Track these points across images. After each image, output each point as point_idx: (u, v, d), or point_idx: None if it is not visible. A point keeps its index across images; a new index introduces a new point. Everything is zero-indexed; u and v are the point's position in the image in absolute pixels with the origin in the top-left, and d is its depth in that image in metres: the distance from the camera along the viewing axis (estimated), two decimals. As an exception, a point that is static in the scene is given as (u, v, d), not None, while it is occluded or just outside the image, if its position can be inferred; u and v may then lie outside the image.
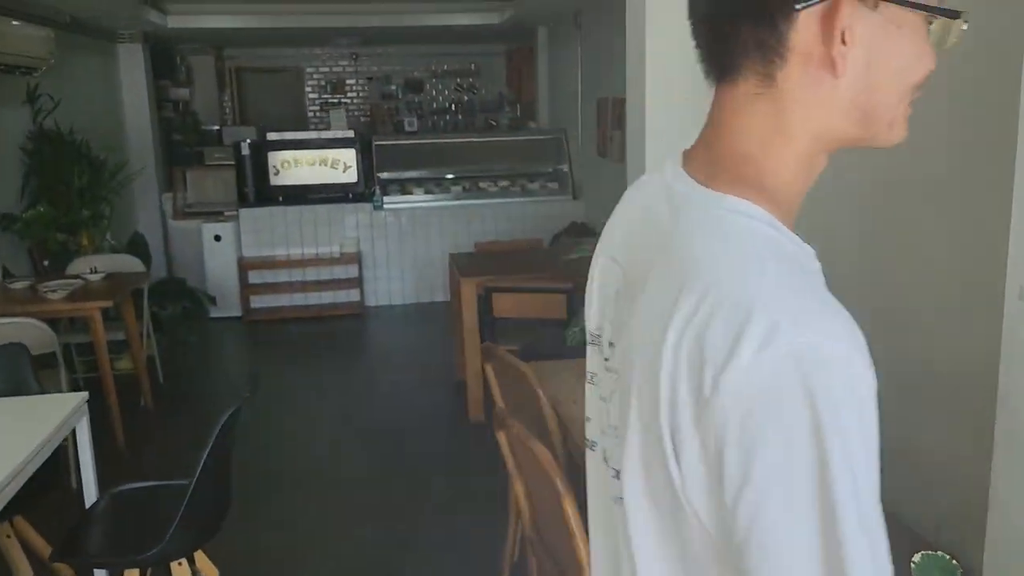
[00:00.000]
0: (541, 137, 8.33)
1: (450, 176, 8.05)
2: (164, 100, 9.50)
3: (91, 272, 4.63)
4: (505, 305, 4.28)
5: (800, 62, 0.74)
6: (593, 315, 0.93)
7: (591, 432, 0.94)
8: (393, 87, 11.57)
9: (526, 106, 10.24)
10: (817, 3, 0.72)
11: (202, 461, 2.50)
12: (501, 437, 2.33)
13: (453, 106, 11.64)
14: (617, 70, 6.92)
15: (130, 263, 5.17)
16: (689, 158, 0.84)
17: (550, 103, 8.95)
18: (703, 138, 0.84)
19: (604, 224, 0.98)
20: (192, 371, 5.88)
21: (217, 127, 9.83)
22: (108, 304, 4.24)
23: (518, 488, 2.36)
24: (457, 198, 7.71)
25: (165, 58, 9.67)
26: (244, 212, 7.23)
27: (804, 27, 0.73)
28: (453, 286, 5.22)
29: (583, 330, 2.96)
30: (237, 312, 7.15)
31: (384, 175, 7.91)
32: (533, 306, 4.25)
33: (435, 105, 11.65)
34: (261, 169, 7.24)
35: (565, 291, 4.20)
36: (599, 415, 0.91)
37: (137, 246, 5.99)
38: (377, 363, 6.09)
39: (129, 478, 2.86)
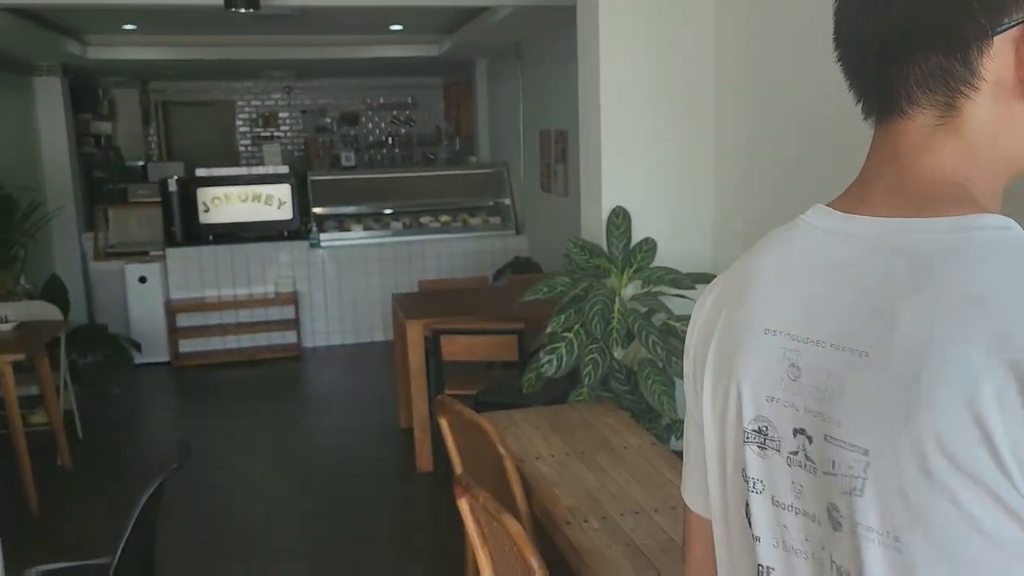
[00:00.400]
0: (482, 171, 8.18)
1: (389, 212, 7.83)
2: (85, 135, 9.05)
3: (1, 321, 4.25)
4: (454, 348, 4.06)
5: (990, 90, 0.70)
6: (748, 406, 0.77)
7: (768, 556, 0.76)
8: (328, 120, 11.30)
9: (465, 139, 10.10)
10: (1014, 25, 0.68)
11: (124, 539, 2.22)
12: (463, 505, 2.11)
13: (390, 139, 11.43)
14: (559, 102, 6.87)
15: (46, 310, 4.78)
16: (863, 201, 0.75)
17: (491, 136, 8.82)
18: (880, 178, 0.75)
19: (722, 296, 0.84)
20: (115, 425, 5.47)
21: (142, 163, 9.40)
22: (20, 357, 3.87)
23: (483, 560, 2.14)
24: (397, 234, 7.48)
25: (86, 91, 9.24)
26: (172, 252, 6.86)
27: (998, 52, 0.69)
28: (397, 328, 4.98)
29: (539, 376, 2.72)
30: (165, 357, 6.74)
31: (320, 211, 7.63)
32: (484, 349, 4.05)
33: (371, 139, 11.43)
34: (189, 207, 6.89)
35: (517, 332, 4.01)
36: (776, 526, 0.75)
37: (54, 291, 5.59)
38: (316, 410, 5.78)
39: (43, 551, 2.54)
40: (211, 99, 11.07)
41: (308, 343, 7.19)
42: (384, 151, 11.40)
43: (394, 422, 5.15)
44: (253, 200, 7.00)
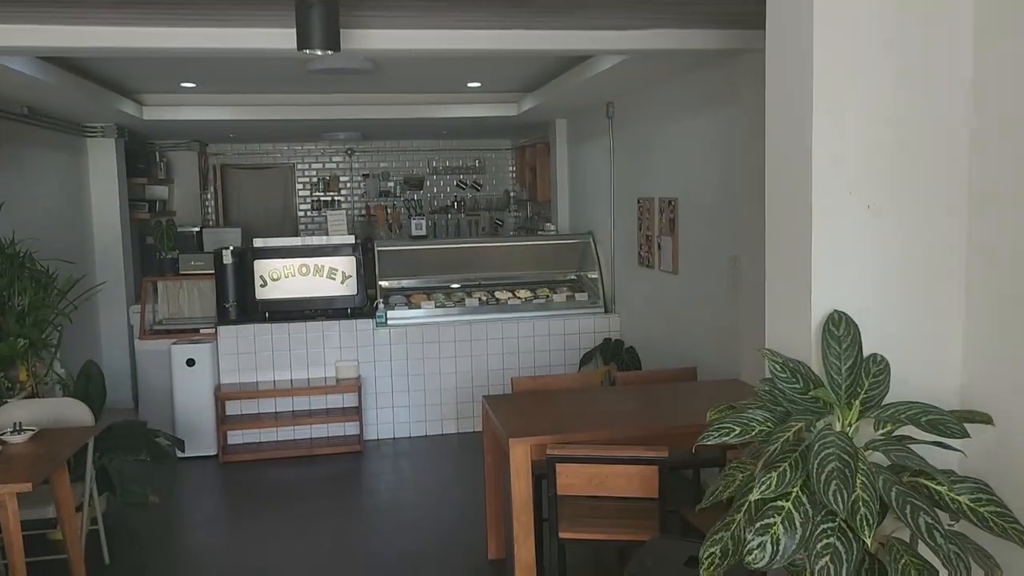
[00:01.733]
0: (565, 241, 7.37)
1: (462, 286, 7.04)
2: (138, 200, 8.51)
3: (14, 430, 3.49)
4: (573, 480, 3.17)
5: None
6: None
7: None
8: (391, 184, 10.68)
9: (539, 205, 9.34)
10: None
11: None
12: None
13: (455, 204, 10.75)
14: (663, 167, 6.05)
15: (74, 411, 4.04)
16: None
17: (571, 202, 8.04)
18: None
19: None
20: (149, 544, 4.65)
21: (197, 229, 8.81)
22: (26, 488, 3.08)
23: None
24: (471, 311, 6.67)
25: (142, 153, 8.74)
26: (224, 331, 6.13)
27: None
28: (489, 439, 4.11)
29: (729, 555, 1.71)
30: (211, 450, 5.96)
31: (386, 284, 6.88)
32: (614, 482, 3.14)
33: (436, 203, 10.76)
34: (245, 280, 6.19)
35: (658, 462, 3.11)
36: None
37: (90, 380, 4.85)
38: (383, 526, 4.90)
39: None
40: (271, 162, 10.55)
41: (371, 435, 6.35)
42: (448, 216, 10.71)
43: (481, 553, 4.24)
44: (315, 273, 6.27)
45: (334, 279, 6.30)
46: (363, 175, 10.66)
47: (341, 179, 10.64)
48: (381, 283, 6.82)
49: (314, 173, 10.61)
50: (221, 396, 5.94)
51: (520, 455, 3.41)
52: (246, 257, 6.20)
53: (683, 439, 3.58)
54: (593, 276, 7.05)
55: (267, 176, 10.58)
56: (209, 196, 10.21)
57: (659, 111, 5.69)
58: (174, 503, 5.26)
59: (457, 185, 10.89)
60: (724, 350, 4.74)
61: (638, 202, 6.06)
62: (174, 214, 9.48)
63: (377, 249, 6.82)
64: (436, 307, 6.65)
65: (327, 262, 6.29)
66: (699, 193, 5.08)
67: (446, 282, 7.14)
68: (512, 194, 10.86)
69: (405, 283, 7.07)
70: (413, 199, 10.69)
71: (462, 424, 6.50)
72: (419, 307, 6.63)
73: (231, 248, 6.20)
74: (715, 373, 4.71)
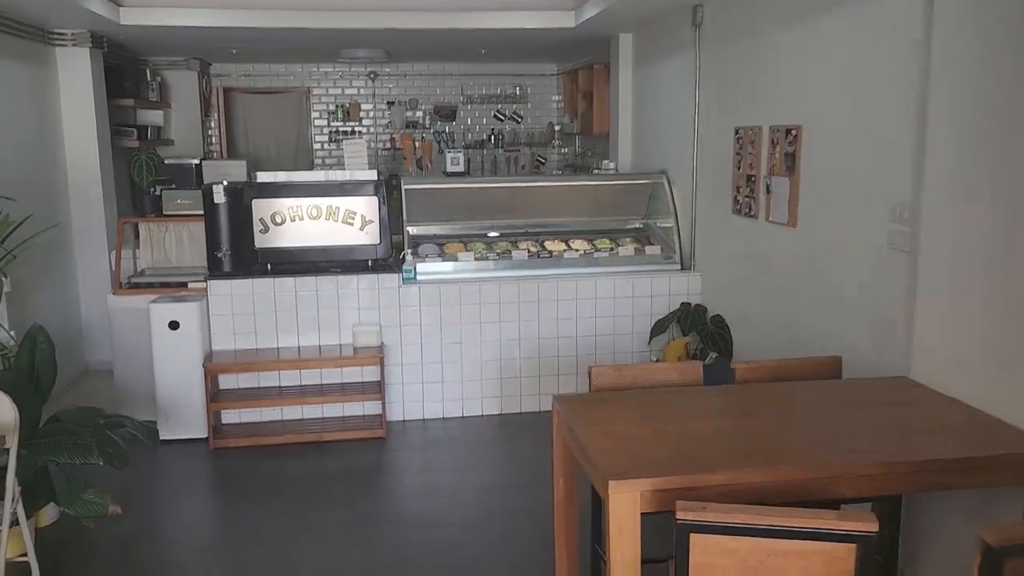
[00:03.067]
0: (632, 182, 6.08)
1: (505, 234, 5.82)
2: (125, 125, 7.31)
3: None
4: (719, 559, 1.98)
5: None
6: None
7: None
8: (419, 113, 9.38)
9: (592, 141, 8.03)
10: None
11: None
12: None
13: (492, 139, 9.45)
14: (775, 86, 4.30)
15: (-15, 405, 2.89)
16: None
17: (635, 137, 6.72)
18: None
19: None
20: (107, 572, 3.57)
21: (196, 160, 7.61)
22: None
23: None
24: (519, 266, 5.45)
25: (130, 71, 7.50)
26: (215, 286, 4.97)
27: None
28: (562, 457, 2.92)
29: None
30: (200, 432, 4.86)
31: (415, 231, 5.67)
32: (781, 564, 1.95)
33: (470, 137, 9.46)
34: (242, 224, 4.99)
35: (861, 538, 1.91)
36: None
37: (34, 347, 3.71)
38: (409, 545, 3.78)
39: None
40: (283, 86, 9.27)
41: (395, 415, 5.22)
42: (484, 152, 9.42)
43: (547, 608, 3.11)
44: (328, 217, 5.06)
45: (352, 224, 5.09)
46: (388, 103, 9.36)
47: (363, 107, 9.35)
48: (409, 229, 5.60)
49: (332, 100, 9.33)
50: (211, 369, 4.80)
51: (625, 506, 2.22)
52: (243, 195, 5.00)
53: (876, 482, 2.38)
54: (665, 225, 5.78)
55: (278, 102, 9.31)
56: (212, 124, 8.97)
57: (774, 11, 4.34)
58: (146, 507, 4.17)
59: (494, 116, 9.57)
60: (871, 332, 3.50)
61: (736, 133, 4.76)
62: (171, 143, 8.27)
63: (404, 188, 5.58)
64: (476, 259, 5.43)
65: (343, 203, 5.07)
66: (838, 119, 3.77)
67: (487, 229, 5.92)
68: (557, 128, 9.53)
69: (437, 230, 5.85)
70: (444, 132, 9.40)
71: (507, 403, 5.34)
72: (455, 259, 5.41)
73: (224, 183, 5.00)
74: (860, 365, 3.48)
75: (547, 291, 5.28)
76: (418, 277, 5.24)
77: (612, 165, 6.77)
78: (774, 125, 4.33)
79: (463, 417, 5.30)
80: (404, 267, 5.18)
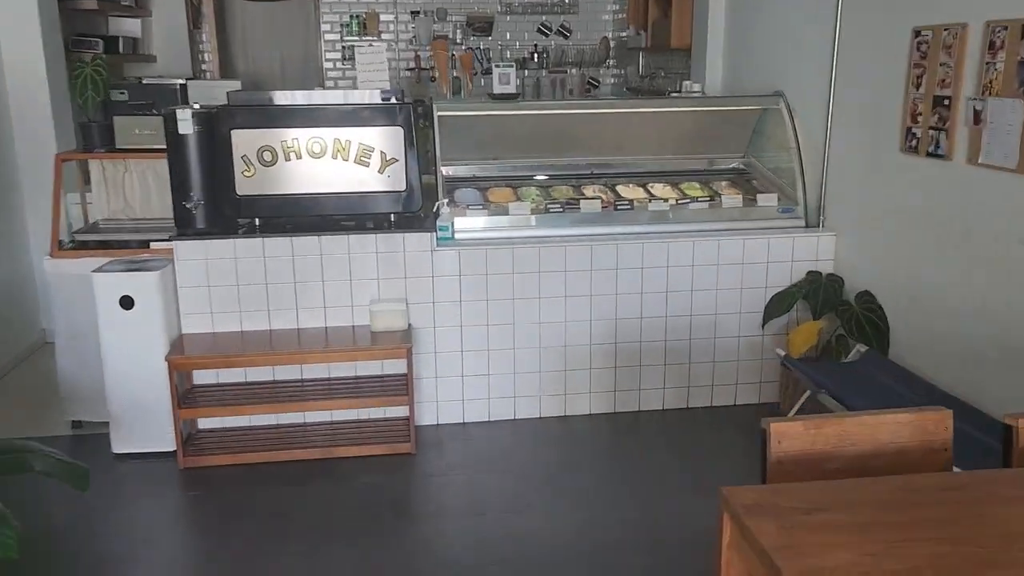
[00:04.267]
0: (735, 108, 4.64)
1: (567, 178, 4.46)
2: (89, 36, 5.93)
3: None
4: None
5: None
6: None
7: None
8: (449, 25, 7.89)
9: (664, 58, 6.54)
10: None
11: None
12: None
13: (535, 57, 7.96)
14: None
15: None
16: None
17: (730, 50, 5.25)
18: None
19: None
20: None
21: (181, 81, 6.24)
22: None
23: None
24: (588, 222, 4.09)
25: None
26: (184, 248, 3.67)
27: None
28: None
29: None
30: (166, 443, 3.62)
31: (450, 171, 4.33)
32: None
33: (508, 55, 7.97)
34: (220, 164, 3.66)
35: None
36: None
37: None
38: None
39: None
40: (287, -7, 7.79)
41: (427, 418, 3.96)
42: (526, 74, 7.94)
43: None
44: (335, 154, 3.71)
45: (367, 164, 3.73)
46: (411, 13, 7.86)
47: (382, 18, 7.86)
48: (444, 170, 4.25)
49: (345, 9, 7.84)
50: (178, 363, 3.52)
51: None
52: (219, 123, 3.64)
53: None
54: (780, 165, 4.38)
55: (282, 12, 7.84)
56: (204, 38, 7.55)
57: None
58: (79, 558, 2.95)
59: (538, 30, 8.05)
60: None
61: (917, 36, 3.31)
62: (152, 59, 6.89)
63: (438, 115, 4.20)
64: (532, 212, 4.08)
65: (356, 135, 3.70)
66: None
67: (542, 170, 4.56)
68: (613, 43, 8.00)
69: (479, 170, 4.50)
70: (478, 49, 7.92)
71: (572, 402, 4.06)
72: (504, 211, 4.07)
73: (194, 108, 3.64)
74: None
75: (628, 256, 3.94)
76: (456, 236, 3.91)
77: (697, 87, 5.30)
78: (993, 20, 2.89)
79: (515, 420, 4.03)
80: (439, 223, 3.85)
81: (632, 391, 4.09)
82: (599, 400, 4.08)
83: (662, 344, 4.05)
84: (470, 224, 4.00)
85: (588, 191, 4.46)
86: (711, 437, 3.89)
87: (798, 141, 4.27)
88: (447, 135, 4.25)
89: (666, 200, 4.17)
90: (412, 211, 3.80)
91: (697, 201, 4.18)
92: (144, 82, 6.20)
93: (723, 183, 4.62)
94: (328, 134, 3.68)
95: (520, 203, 4.12)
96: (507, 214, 4.05)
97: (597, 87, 8.07)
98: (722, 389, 4.15)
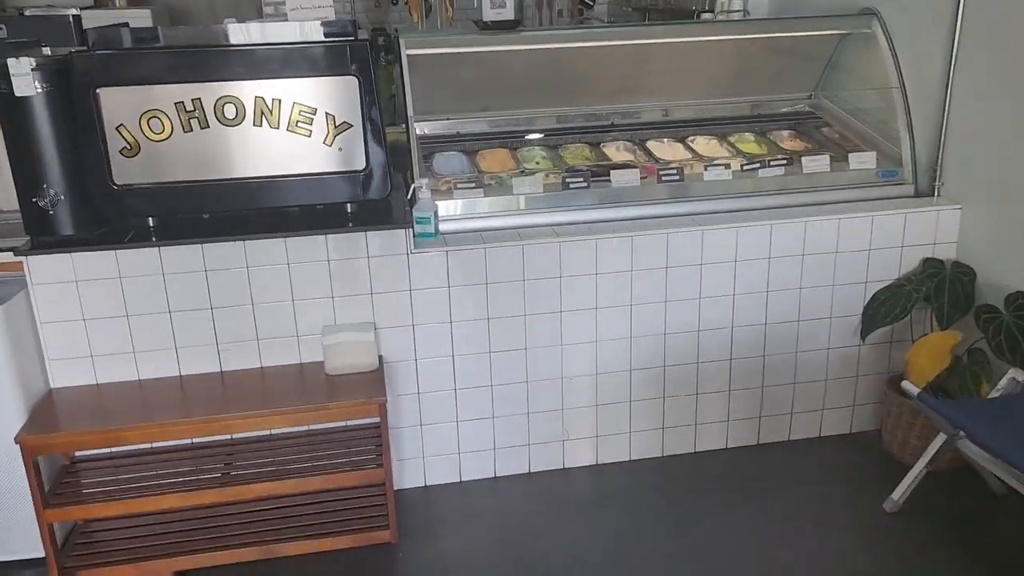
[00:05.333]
0: (803, 34, 3.45)
1: (581, 131, 3.32)
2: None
3: None
4: None
5: None
6: None
7: None
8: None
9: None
10: None
11: None
12: None
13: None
14: None
15: None
16: None
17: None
18: None
19: None
20: None
21: (74, 11, 4.91)
22: None
23: None
24: (624, 199, 2.95)
25: None
26: (39, 266, 2.49)
27: None
28: None
29: None
30: (33, 549, 2.50)
31: (426, 130, 3.17)
32: None
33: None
34: (85, 138, 2.45)
35: None
36: None
37: None
38: None
39: None
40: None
41: (410, 478, 2.88)
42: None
43: None
44: (259, 120, 2.50)
45: (307, 132, 2.54)
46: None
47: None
48: (417, 129, 3.07)
49: (284, -82, 6.41)
50: (33, 445, 2.37)
51: None
52: (78, 79, 2.42)
53: None
54: (871, 109, 3.25)
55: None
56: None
57: None
58: None
59: (518, -61, 6.69)
60: None
61: None
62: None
63: (407, 53, 2.99)
64: (545, 189, 2.92)
65: (288, 91, 2.49)
66: None
67: (546, 123, 3.41)
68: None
69: (465, 126, 3.34)
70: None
71: (608, 447, 2.99)
72: (506, 188, 2.91)
73: (39, 55, 2.41)
74: None
75: (682, 248, 2.82)
76: (441, 231, 2.77)
77: (738, 3, 4.09)
78: None
79: (529, 474, 2.97)
80: (416, 213, 2.69)
81: (686, 427, 3.03)
82: (643, 442, 3.02)
83: (726, 364, 2.98)
84: (458, 210, 2.85)
85: (612, 150, 3.33)
86: (795, 485, 2.86)
87: (902, 77, 3.13)
88: (420, 80, 3.07)
89: (726, 165, 3.03)
90: (377, 198, 2.63)
91: (769, 165, 3.04)
92: (27, 13, 4.87)
93: (784, 134, 3.51)
94: (246, 90, 2.47)
95: (523, 177, 2.96)
96: (510, 192, 2.90)
97: (591, 6, 6.78)
98: (804, 418, 3.11)
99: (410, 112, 3.00)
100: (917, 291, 2.85)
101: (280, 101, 2.49)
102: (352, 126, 2.54)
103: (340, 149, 2.56)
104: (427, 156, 3.22)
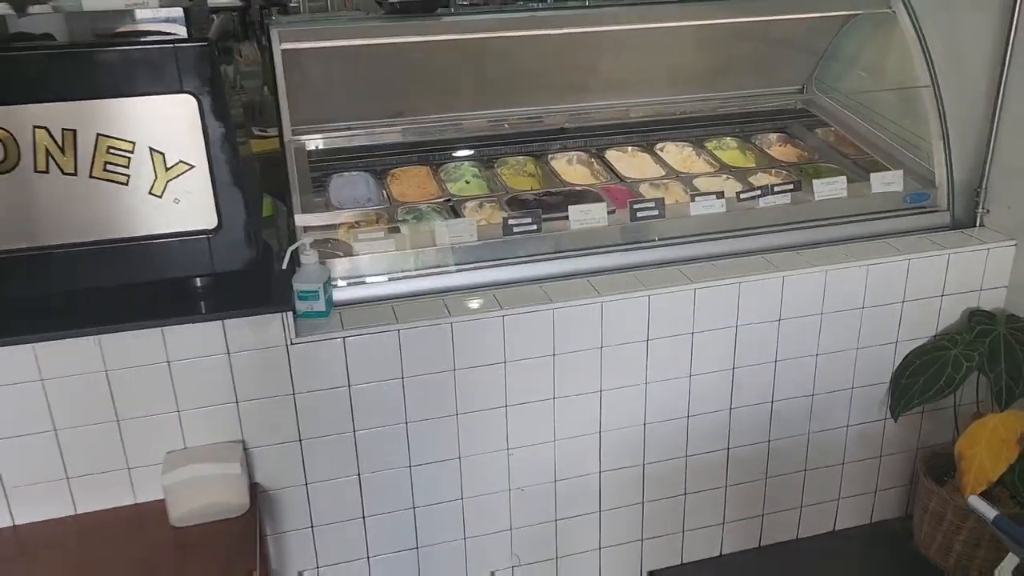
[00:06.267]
0: (812, 16, 2.72)
1: (518, 140, 2.58)
2: None
3: None
4: None
5: None
6: None
7: None
8: None
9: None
10: None
11: None
12: None
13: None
14: None
15: None
16: None
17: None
18: None
19: None
20: None
21: None
22: None
23: None
24: (585, 243, 2.19)
25: None
26: None
27: None
28: None
29: None
30: None
31: (314, 143, 2.37)
32: None
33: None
34: None
35: None
36: None
37: None
38: None
39: None
40: None
41: (308, 638, 2.11)
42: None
43: None
44: (44, 163, 1.65)
45: (122, 179, 1.68)
46: None
47: None
48: (307, 143, 2.25)
49: None
50: None
51: None
52: None
53: None
54: (885, 110, 2.56)
55: None
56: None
57: None
58: None
59: None
60: None
61: None
62: None
63: (282, 47, 2.15)
64: (481, 229, 2.14)
65: (85, 115, 1.63)
66: None
67: (476, 129, 2.65)
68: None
69: (368, 137, 2.55)
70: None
71: (571, 569, 2.28)
72: (428, 222, 2.13)
73: None
74: None
75: (669, 312, 2.09)
76: (336, 300, 1.97)
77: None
78: None
79: (471, 615, 2.23)
80: (298, 285, 1.87)
81: (671, 536, 2.34)
82: (617, 558, 2.31)
83: (721, 455, 2.29)
84: (362, 267, 2.06)
85: (563, 164, 2.60)
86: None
87: (934, 72, 2.44)
88: (305, 81, 2.25)
89: (719, 194, 2.29)
90: (238, 268, 1.81)
91: (772, 192, 2.32)
92: None
93: (771, 137, 2.82)
94: (18, 118, 1.61)
95: (448, 225, 2.18)
96: (432, 242, 2.11)
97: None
98: (815, 511, 2.45)
99: (286, 126, 2.17)
100: (967, 358, 2.19)
101: (76, 133, 1.63)
102: (193, 167, 1.71)
103: (176, 201, 1.73)
104: (320, 179, 2.41)
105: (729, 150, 2.79)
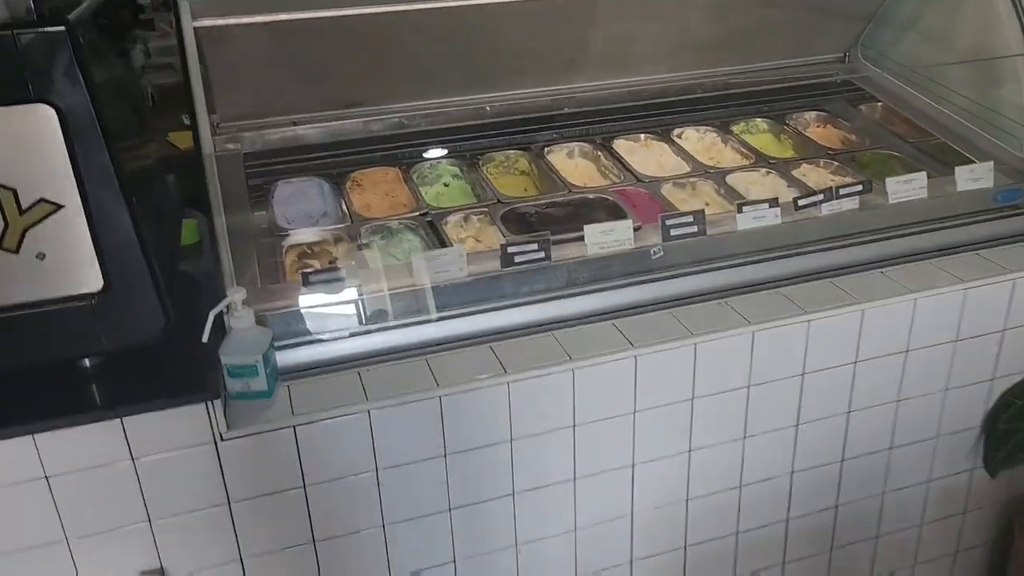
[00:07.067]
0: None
1: (521, 136, 2.06)
2: None
3: None
4: None
5: None
6: None
7: None
8: None
9: None
10: None
11: None
12: None
13: None
14: None
15: None
16: None
17: None
18: None
19: None
20: None
21: None
22: None
23: None
24: (608, 278, 1.70)
25: None
26: None
27: None
28: None
29: None
30: None
31: (252, 142, 1.84)
32: None
33: None
34: None
35: None
36: None
37: None
38: None
39: None
40: None
41: None
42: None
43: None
44: None
45: (-33, 221, 1.17)
46: None
47: None
48: (244, 143, 1.73)
49: None
50: None
51: None
52: None
53: None
54: (969, 82, 2.08)
55: None
56: None
57: None
58: None
59: None
60: None
61: None
62: None
63: (195, 25, 1.61)
64: (471, 257, 1.63)
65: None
66: None
67: (461, 120, 2.14)
68: None
69: (323, 133, 2.03)
70: None
71: None
72: (401, 244, 1.63)
73: None
74: None
75: (720, 362, 1.61)
76: (284, 363, 1.46)
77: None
78: None
79: None
80: (227, 358, 1.36)
81: (719, 628, 1.88)
82: (651, 661, 1.86)
83: (779, 528, 1.83)
84: (318, 323, 1.54)
85: (562, 159, 2.11)
86: None
87: (1028, 39, 1.96)
88: (231, 64, 1.71)
89: (771, 202, 1.80)
90: (138, 342, 1.29)
91: (838, 196, 1.83)
92: None
93: (810, 117, 2.35)
94: None
95: (430, 258, 1.68)
96: (407, 274, 1.60)
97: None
98: (888, 582, 2.02)
99: (203, 127, 1.65)
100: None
101: None
102: (61, 207, 1.18)
103: (40, 256, 1.20)
104: (262, 188, 1.89)
105: (760, 134, 2.32)
